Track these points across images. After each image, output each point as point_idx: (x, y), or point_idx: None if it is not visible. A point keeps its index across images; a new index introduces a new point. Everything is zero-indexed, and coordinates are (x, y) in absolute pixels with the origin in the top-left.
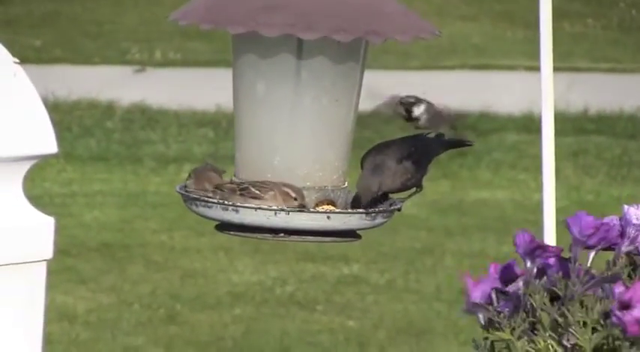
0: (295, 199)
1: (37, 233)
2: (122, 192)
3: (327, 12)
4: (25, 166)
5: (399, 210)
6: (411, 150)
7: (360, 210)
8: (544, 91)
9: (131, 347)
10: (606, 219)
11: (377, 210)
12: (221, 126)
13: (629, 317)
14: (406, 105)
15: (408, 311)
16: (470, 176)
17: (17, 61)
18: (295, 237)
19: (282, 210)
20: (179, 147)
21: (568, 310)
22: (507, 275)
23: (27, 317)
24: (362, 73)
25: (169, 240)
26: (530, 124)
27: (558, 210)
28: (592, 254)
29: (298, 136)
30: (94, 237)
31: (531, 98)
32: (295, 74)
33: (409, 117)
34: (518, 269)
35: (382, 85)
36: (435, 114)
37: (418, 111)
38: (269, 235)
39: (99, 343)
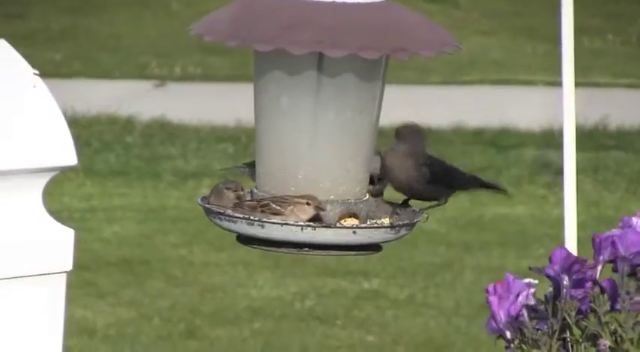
0: (308, 203)
1: (57, 245)
2: (141, 206)
3: (353, 29)
4: (45, 178)
5: (421, 221)
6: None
7: (386, 224)
8: (566, 108)
9: None
10: (627, 229)
11: (401, 223)
12: (241, 142)
13: None
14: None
15: (428, 326)
16: (489, 191)
17: (37, 72)
18: (319, 251)
19: (309, 225)
20: (198, 163)
21: (621, 326)
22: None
23: (47, 329)
24: (383, 84)
25: (189, 255)
26: (549, 139)
27: (578, 226)
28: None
29: (322, 150)
30: (114, 252)
31: (551, 113)
32: (319, 88)
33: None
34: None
35: (402, 100)
36: None
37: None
38: (293, 249)
39: None
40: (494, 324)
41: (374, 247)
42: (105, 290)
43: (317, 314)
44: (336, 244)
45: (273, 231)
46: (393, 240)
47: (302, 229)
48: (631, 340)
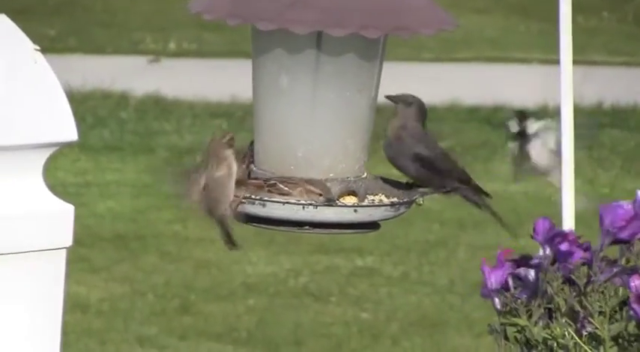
0: (320, 195)
1: (58, 221)
2: (136, 182)
3: (354, 7)
4: (46, 154)
5: (419, 204)
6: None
7: (386, 202)
8: (563, 85)
9: (144, 336)
10: (615, 204)
11: (401, 201)
12: (235, 117)
13: None
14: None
15: (422, 303)
16: (484, 169)
17: (38, 48)
18: (319, 229)
19: (311, 204)
20: (193, 138)
21: (587, 299)
22: (524, 261)
23: (47, 305)
24: (381, 63)
25: (183, 231)
26: (544, 117)
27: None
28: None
29: (322, 128)
30: (108, 227)
31: (545, 91)
32: (318, 67)
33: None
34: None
35: (396, 77)
36: None
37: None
38: (294, 228)
39: (112, 332)
40: (485, 290)
41: (372, 225)
42: (99, 265)
43: (311, 291)
44: (337, 222)
45: (274, 209)
46: (392, 218)
47: (303, 208)
48: (602, 313)
